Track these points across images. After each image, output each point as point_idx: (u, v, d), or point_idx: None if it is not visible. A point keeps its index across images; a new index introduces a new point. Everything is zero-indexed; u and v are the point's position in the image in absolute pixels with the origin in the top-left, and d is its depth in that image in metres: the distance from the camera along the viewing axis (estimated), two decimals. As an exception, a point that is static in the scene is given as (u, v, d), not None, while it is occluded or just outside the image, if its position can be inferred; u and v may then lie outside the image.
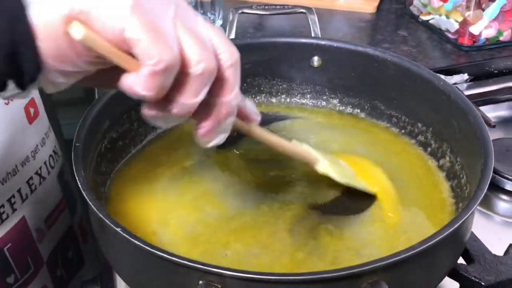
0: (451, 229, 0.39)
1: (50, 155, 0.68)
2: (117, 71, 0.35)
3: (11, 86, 0.35)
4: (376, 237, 0.48)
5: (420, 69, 0.58)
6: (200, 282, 0.37)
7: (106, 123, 0.56)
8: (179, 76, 0.35)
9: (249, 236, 0.48)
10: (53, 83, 0.36)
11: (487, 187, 0.42)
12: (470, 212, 0.40)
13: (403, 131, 0.62)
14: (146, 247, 0.38)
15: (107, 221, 0.40)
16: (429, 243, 0.38)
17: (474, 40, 0.85)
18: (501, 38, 0.85)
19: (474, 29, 0.83)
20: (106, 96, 0.56)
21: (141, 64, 0.34)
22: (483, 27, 0.83)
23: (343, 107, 0.67)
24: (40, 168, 0.65)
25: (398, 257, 0.36)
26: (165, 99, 0.36)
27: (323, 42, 0.65)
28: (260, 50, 0.67)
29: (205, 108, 0.38)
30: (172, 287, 0.40)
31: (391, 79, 0.61)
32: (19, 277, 0.62)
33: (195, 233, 0.49)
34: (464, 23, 0.84)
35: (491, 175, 0.43)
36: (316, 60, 0.66)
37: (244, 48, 0.66)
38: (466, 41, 0.85)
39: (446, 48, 0.88)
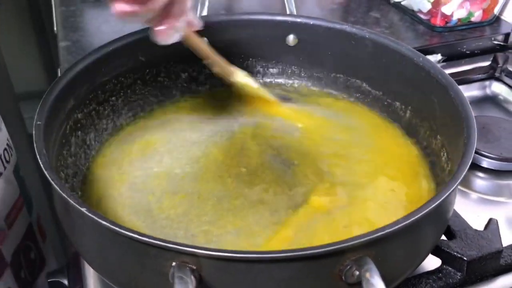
0: (435, 204, 0.37)
1: (4, 149, 0.66)
2: None
3: None
4: (361, 211, 0.47)
5: (398, 46, 0.57)
6: (174, 263, 0.35)
7: (70, 102, 0.53)
8: None
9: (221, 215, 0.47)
10: None
11: (471, 159, 0.41)
12: (454, 187, 0.39)
13: (382, 109, 0.61)
14: (113, 227, 0.35)
15: (71, 201, 0.37)
16: (413, 218, 0.36)
17: (446, 21, 0.84)
18: (472, 19, 0.85)
19: (446, 9, 0.83)
20: (69, 73, 0.53)
21: None
22: (455, 7, 0.83)
23: (320, 87, 0.65)
24: None
25: (382, 232, 0.35)
26: None
27: (299, 20, 0.63)
28: (234, 28, 0.64)
29: (164, 9, 0.45)
30: (143, 271, 0.38)
31: (369, 57, 0.60)
32: (-18, 281, 0.60)
33: (171, 218, 0.47)
34: (436, 3, 0.83)
35: (474, 147, 0.42)
36: (291, 39, 0.64)
37: (217, 26, 0.64)
38: (438, 21, 0.84)
39: (418, 29, 0.87)
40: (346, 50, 0.62)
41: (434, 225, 0.41)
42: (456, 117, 0.48)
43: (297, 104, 0.63)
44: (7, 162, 0.66)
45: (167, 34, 0.48)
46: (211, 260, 0.34)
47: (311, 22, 0.63)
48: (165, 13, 0.46)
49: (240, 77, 0.60)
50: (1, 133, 0.66)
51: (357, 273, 0.34)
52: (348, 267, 0.35)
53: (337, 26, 0.62)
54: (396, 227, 0.35)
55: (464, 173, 0.40)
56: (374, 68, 0.61)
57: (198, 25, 0.52)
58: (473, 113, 0.47)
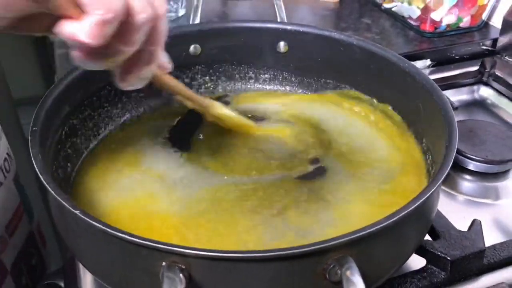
0: (416, 204, 0.39)
1: (5, 159, 0.65)
2: (46, 17, 0.36)
3: None
4: (348, 213, 0.48)
5: (385, 52, 0.58)
6: (163, 263, 0.36)
7: (65, 109, 0.55)
8: (121, 25, 0.37)
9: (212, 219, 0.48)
10: None
11: (452, 161, 0.42)
12: (435, 187, 0.40)
13: (370, 114, 0.63)
14: (105, 228, 0.37)
15: (66, 204, 0.39)
16: (394, 218, 0.38)
17: (436, 27, 0.86)
18: (461, 25, 0.87)
19: (435, 15, 0.84)
20: (65, 80, 0.54)
21: (86, 12, 0.35)
22: (444, 14, 0.84)
23: (310, 93, 0.67)
24: None
25: (363, 232, 0.36)
26: (103, 46, 0.37)
27: (289, 27, 0.65)
28: (226, 35, 0.66)
29: (132, 55, 0.40)
30: (134, 271, 0.39)
31: (357, 63, 0.62)
32: (-19, 290, 0.60)
33: (162, 222, 0.48)
34: (426, 10, 0.85)
35: (455, 149, 0.44)
36: (282, 46, 0.66)
37: (209, 33, 0.66)
38: (427, 27, 0.86)
39: (408, 34, 0.89)
40: (335, 56, 0.63)
41: (416, 225, 0.43)
42: (439, 121, 0.50)
43: (272, 123, 0.63)
44: (7, 171, 0.65)
45: (132, 83, 0.43)
46: (198, 259, 0.35)
47: (301, 29, 0.65)
48: (133, 61, 0.41)
49: (218, 109, 0.57)
50: (1, 142, 0.66)
51: (339, 271, 0.36)
52: (331, 266, 0.36)
53: (326, 33, 0.64)
54: (377, 227, 0.37)
55: (444, 175, 0.41)
56: (362, 74, 0.62)
57: (169, 67, 0.48)
58: (455, 117, 0.48)
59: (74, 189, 0.53)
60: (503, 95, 0.77)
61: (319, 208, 0.49)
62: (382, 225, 0.37)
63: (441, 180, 0.41)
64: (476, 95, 0.80)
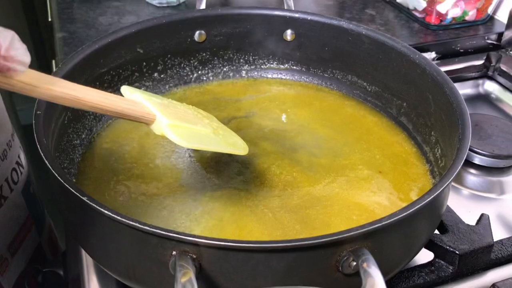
0: (431, 198, 0.38)
1: (13, 169, 0.58)
2: None
3: None
4: (348, 200, 0.48)
5: (395, 43, 0.58)
6: (174, 252, 0.35)
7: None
8: None
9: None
10: None
11: (465, 155, 0.42)
12: (449, 181, 0.40)
13: (379, 105, 0.62)
14: (114, 215, 0.36)
15: (73, 190, 0.38)
16: (410, 211, 0.37)
17: (441, 19, 0.85)
18: (466, 18, 0.86)
19: (441, 8, 0.84)
20: (68, 64, 0.53)
21: None
22: (450, 6, 0.84)
23: (317, 82, 0.66)
24: (1, 188, 0.56)
25: (379, 224, 0.35)
26: None
27: (296, 15, 0.64)
28: (231, 22, 0.65)
29: None
30: (142, 260, 0.38)
31: (366, 53, 0.61)
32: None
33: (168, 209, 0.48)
34: (432, 2, 0.84)
35: (469, 144, 0.43)
36: (289, 34, 0.65)
37: (215, 19, 0.65)
38: (433, 20, 0.85)
39: (413, 27, 0.88)
40: (343, 46, 0.63)
41: (429, 218, 0.42)
42: (450, 114, 0.49)
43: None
44: (15, 183, 0.58)
45: None
46: (211, 249, 0.35)
47: (309, 17, 0.64)
48: None
49: (159, 129, 0.41)
50: (12, 150, 0.56)
51: (354, 263, 0.35)
52: (345, 257, 0.35)
53: (334, 22, 0.63)
54: (393, 219, 0.36)
55: (458, 169, 0.41)
56: (370, 64, 0.61)
57: (18, 68, 0.32)
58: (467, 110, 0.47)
59: (79, 177, 0.52)
60: (508, 89, 0.77)
61: None
62: (397, 217, 0.36)
63: (455, 174, 0.41)
64: (480, 89, 0.79)
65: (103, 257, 0.42)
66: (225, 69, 0.67)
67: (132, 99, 0.40)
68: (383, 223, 0.36)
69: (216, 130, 0.45)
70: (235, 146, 0.45)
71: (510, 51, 0.82)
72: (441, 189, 0.39)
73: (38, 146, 0.42)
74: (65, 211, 0.44)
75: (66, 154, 0.52)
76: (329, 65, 0.65)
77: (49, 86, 0.35)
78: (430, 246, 0.48)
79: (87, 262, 0.51)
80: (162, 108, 0.40)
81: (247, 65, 0.68)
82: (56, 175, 0.39)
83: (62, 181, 0.38)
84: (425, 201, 0.38)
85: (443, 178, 0.40)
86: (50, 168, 0.40)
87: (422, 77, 0.55)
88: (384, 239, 0.37)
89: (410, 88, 0.58)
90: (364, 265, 0.33)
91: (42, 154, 0.41)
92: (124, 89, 0.42)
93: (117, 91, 0.60)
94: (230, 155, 0.53)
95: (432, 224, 0.43)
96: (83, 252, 0.50)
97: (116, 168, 0.53)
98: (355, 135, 0.58)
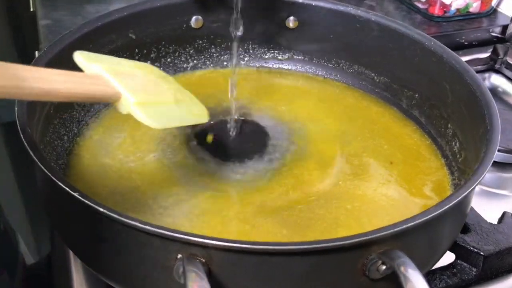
0: (464, 195, 0.35)
1: None
2: None
3: None
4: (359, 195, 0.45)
5: (408, 30, 0.54)
6: (179, 255, 0.31)
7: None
8: None
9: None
10: None
11: (497, 147, 0.38)
12: (481, 177, 0.36)
13: (387, 97, 0.58)
14: (111, 213, 0.31)
15: (62, 185, 0.33)
16: (440, 210, 0.33)
17: (445, 10, 0.82)
18: (470, 10, 0.83)
19: (445, -2, 0.81)
20: (53, 49, 0.48)
21: None
22: (455, -3, 0.81)
23: (322, 72, 0.62)
24: None
25: (411, 223, 0.32)
26: None
27: (300, 0, 0.60)
28: (230, 7, 0.60)
29: None
30: (142, 264, 0.34)
31: (375, 41, 0.57)
32: None
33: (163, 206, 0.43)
34: (436, -7, 0.81)
35: (499, 136, 0.40)
36: (292, 21, 0.61)
37: (213, 3, 0.60)
38: (437, 11, 0.82)
39: (415, 18, 0.85)
40: (350, 33, 0.59)
41: (457, 217, 0.39)
42: (472, 105, 0.46)
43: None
44: None
45: None
46: (223, 251, 0.30)
47: (313, 3, 0.60)
48: None
49: (125, 107, 0.36)
50: None
51: (384, 267, 0.31)
52: (374, 261, 0.31)
53: (341, 8, 0.59)
54: (424, 218, 0.33)
55: (491, 163, 0.37)
56: (379, 53, 0.58)
57: None
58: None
59: (67, 172, 0.47)
60: (516, 83, 0.74)
61: None
62: (428, 217, 0.33)
63: (486, 171, 0.37)
64: (487, 83, 0.76)
65: (96, 261, 0.37)
66: (222, 58, 0.63)
67: (94, 73, 0.34)
68: (415, 222, 0.32)
69: (175, 96, 0.40)
70: (198, 115, 0.41)
71: (515, 44, 0.79)
72: (473, 186, 0.35)
73: (22, 136, 0.37)
74: (52, 209, 0.39)
75: (52, 147, 0.48)
76: (334, 54, 0.61)
77: None
78: (451, 246, 0.44)
79: (76, 266, 0.46)
80: (126, 81, 0.35)
81: (246, 54, 0.63)
82: (43, 167, 0.34)
83: (50, 174, 0.34)
84: (458, 198, 0.34)
85: (475, 175, 0.36)
86: (36, 160, 0.35)
87: (438, 66, 0.51)
88: (414, 239, 0.34)
89: (423, 78, 0.54)
90: (402, 269, 0.29)
91: (26, 145, 0.36)
92: (78, 55, 0.35)
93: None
94: (230, 146, 0.49)
95: (459, 223, 0.40)
96: (71, 255, 0.46)
97: (107, 162, 0.49)
98: (363, 127, 0.54)
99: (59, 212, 0.38)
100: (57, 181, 0.33)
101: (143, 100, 0.36)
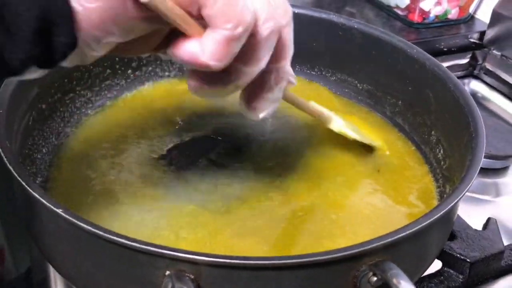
0: (453, 203, 0.35)
1: None
2: (155, 36, 0.30)
3: (33, 68, 0.28)
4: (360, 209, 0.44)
5: (390, 37, 0.54)
6: (167, 272, 0.30)
7: (34, 91, 0.47)
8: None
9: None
10: (82, 57, 0.30)
11: (483, 154, 0.38)
12: (469, 185, 0.36)
13: (371, 104, 0.58)
14: (95, 230, 0.30)
15: (44, 201, 0.32)
16: (430, 220, 0.33)
17: (424, 17, 0.83)
18: (449, 16, 0.84)
19: (424, 5, 0.81)
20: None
21: (211, 27, 0.28)
22: (433, 4, 0.82)
23: (304, 79, 0.62)
24: None
25: (402, 234, 0.31)
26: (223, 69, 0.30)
27: (281, 8, 0.59)
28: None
29: (258, 76, 0.32)
30: (128, 281, 0.33)
31: (357, 49, 0.57)
32: None
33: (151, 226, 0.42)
34: (415, -1, 0.82)
35: (484, 144, 0.40)
36: (272, 28, 0.60)
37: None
38: (416, 17, 0.83)
39: (395, 25, 0.86)
40: (332, 41, 0.59)
41: (445, 226, 0.39)
42: (456, 112, 0.46)
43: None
44: None
45: (263, 109, 0.35)
46: (212, 267, 0.30)
47: (296, 10, 0.58)
48: (259, 83, 0.34)
49: (335, 126, 0.50)
50: None
51: (375, 279, 0.31)
52: (365, 272, 0.31)
53: (323, 15, 0.59)
54: (415, 228, 0.32)
55: (477, 171, 0.37)
56: (362, 61, 0.58)
57: (295, 83, 0.39)
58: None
59: (47, 185, 0.46)
60: (495, 88, 0.75)
61: None
62: (418, 227, 0.33)
63: (473, 181, 0.37)
64: (466, 89, 0.76)
65: (79, 278, 0.36)
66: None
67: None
68: (407, 232, 0.32)
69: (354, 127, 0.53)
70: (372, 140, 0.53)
71: (493, 50, 0.80)
72: (462, 194, 0.35)
73: (1, 150, 0.36)
74: (32, 224, 0.38)
75: (32, 160, 0.46)
76: (317, 61, 0.61)
77: (289, 94, 0.45)
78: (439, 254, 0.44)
79: (56, 281, 0.45)
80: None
81: (228, 62, 0.63)
82: (23, 183, 0.33)
83: (31, 190, 0.33)
84: (448, 207, 0.34)
85: (462, 183, 0.36)
86: (16, 175, 0.34)
87: (420, 73, 0.51)
88: (404, 250, 0.33)
89: (406, 85, 0.54)
90: (394, 280, 0.29)
91: (5, 159, 0.35)
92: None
93: (87, 89, 0.55)
94: (214, 159, 0.49)
95: (447, 231, 0.40)
96: (52, 270, 0.44)
97: (88, 175, 0.47)
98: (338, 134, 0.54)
99: (40, 227, 0.37)
100: (39, 197, 0.32)
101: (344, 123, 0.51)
